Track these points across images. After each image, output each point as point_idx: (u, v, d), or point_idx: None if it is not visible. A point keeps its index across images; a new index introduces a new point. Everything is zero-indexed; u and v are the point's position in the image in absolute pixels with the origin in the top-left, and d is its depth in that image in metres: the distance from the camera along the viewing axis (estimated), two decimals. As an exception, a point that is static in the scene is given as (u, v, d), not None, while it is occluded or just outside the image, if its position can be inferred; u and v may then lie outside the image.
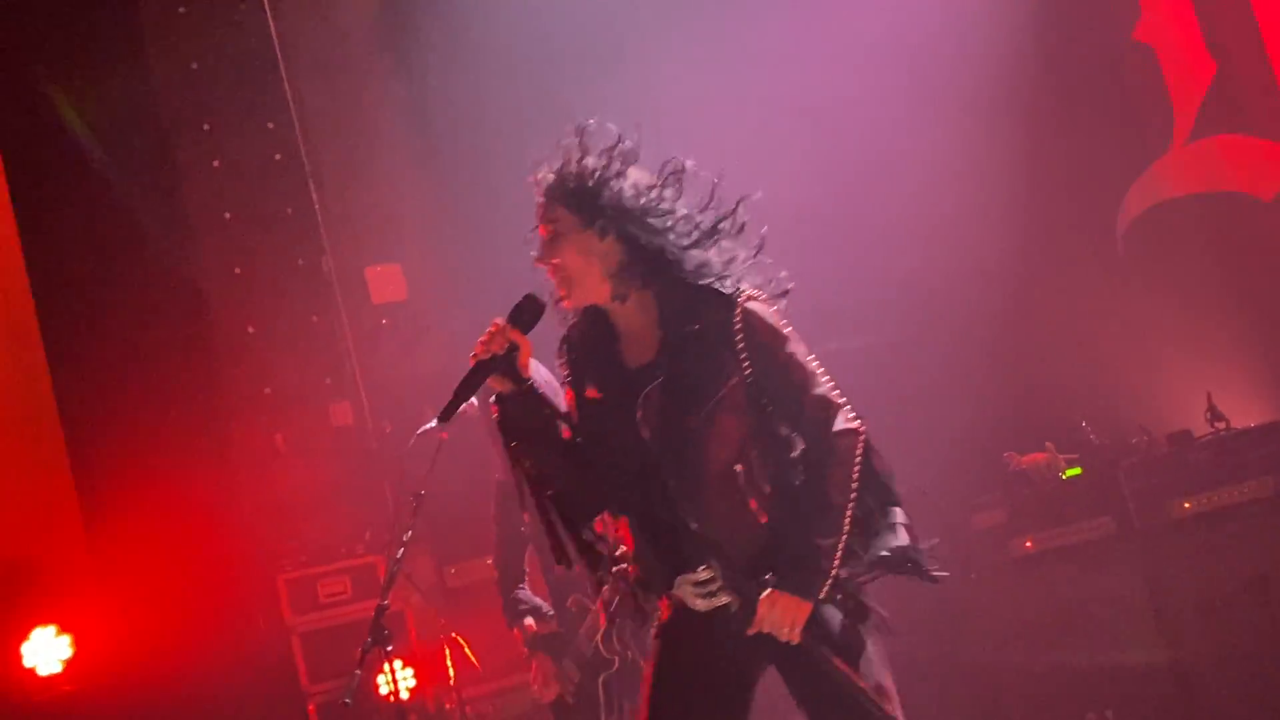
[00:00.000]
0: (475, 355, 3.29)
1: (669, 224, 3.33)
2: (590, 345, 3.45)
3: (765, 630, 3.24)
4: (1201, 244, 7.10)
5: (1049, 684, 6.21)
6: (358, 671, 5.20)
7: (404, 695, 6.60)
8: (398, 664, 6.57)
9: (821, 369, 3.36)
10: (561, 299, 3.40)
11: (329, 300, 7.73)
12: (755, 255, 3.40)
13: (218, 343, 7.37)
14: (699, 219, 3.37)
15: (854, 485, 3.25)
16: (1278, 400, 6.06)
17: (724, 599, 3.30)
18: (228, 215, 7.51)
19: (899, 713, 3.33)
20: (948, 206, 7.29)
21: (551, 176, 3.36)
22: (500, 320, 3.31)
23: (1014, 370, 7.14)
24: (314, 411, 7.56)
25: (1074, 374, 7.07)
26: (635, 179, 3.35)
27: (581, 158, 3.34)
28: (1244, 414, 6.27)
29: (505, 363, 3.28)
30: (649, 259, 3.33)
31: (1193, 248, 7.12)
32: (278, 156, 7.67)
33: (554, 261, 3.35)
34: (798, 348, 3.35)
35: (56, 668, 6.53)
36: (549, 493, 3.34)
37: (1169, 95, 7.19)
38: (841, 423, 3.29)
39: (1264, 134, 6.87)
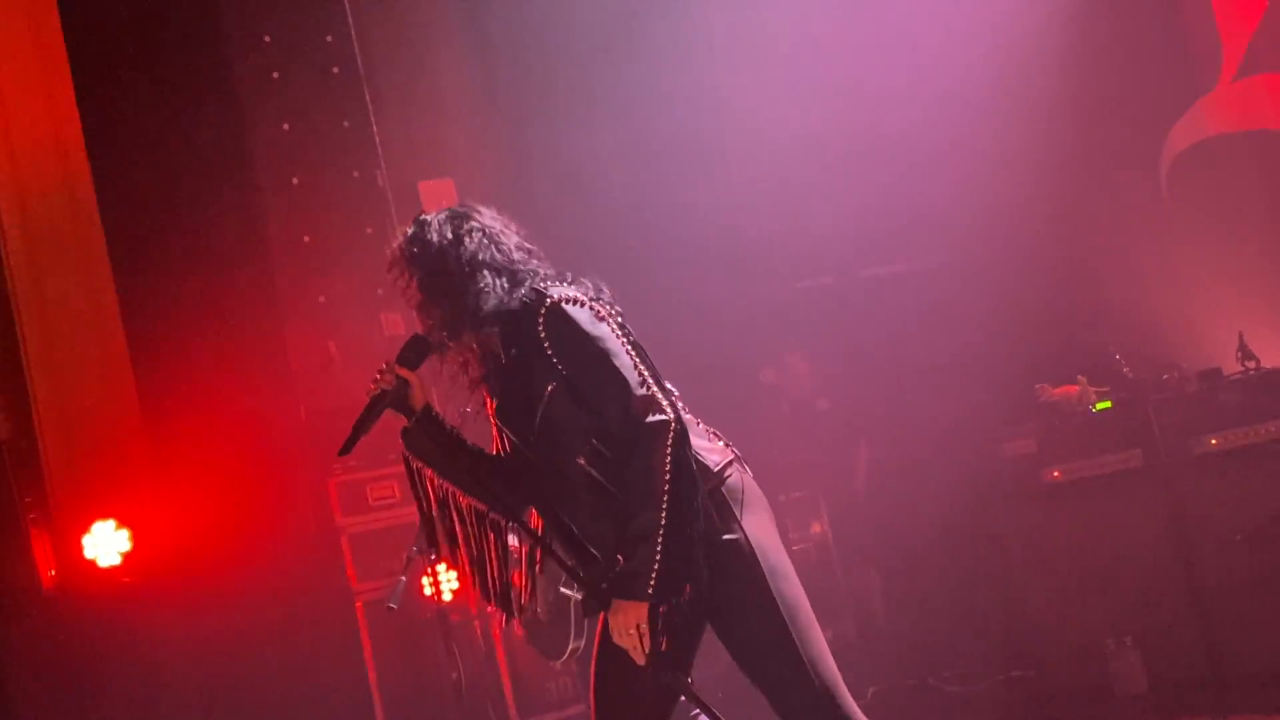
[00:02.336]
0: (369, 391, 3.60)
1: (473, 273, 3.56)
2: (469, 374, 3.71)
3: (621, 641, 3.39)
4: (1243, 182, 7.15)
5: (1071, 609, 6.34)
6: (403, 578, 5.42)
7: (446, 597, 6.80)
8: (441, 567, 6.77)
9: (633, 361, 3.47)
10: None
11: (382, 212, 7.87)
12: (556, 272, 3.63)
13: (275, 251, 7.55)
14: (499, 258, 3.58)
15: (666, 477, 3.35)
16: (1308, 340, 6.16)
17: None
18: (286, 126, 7.64)
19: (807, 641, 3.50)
20: (993, 134, 7.35)
21: (395, 247, 3.66)
22: (389, 360, 3.62)
23: (1052, 300, 7.22)
24: (366, 320, 7.73)
25: (1111, 307, 7.14)
26: (447, 247, 3.59)
27: (416, 234, 3.63)
28: (1274, 353, 6.37)
29: (397, 397, 3.58)
30: (466, 305, 3.56)
31: (1235, 185, 7.16)
32: (336, 70, 7.79)
33: (414, 308, 3.65)
34: (605, 345, 3.48)
35: (116, 560, 6.70)
36: (473, 506, 3.62)
37: (1219, 33, 7.19)
38: (648, 416, 3.41)
39: (1312, 74, 6.90)
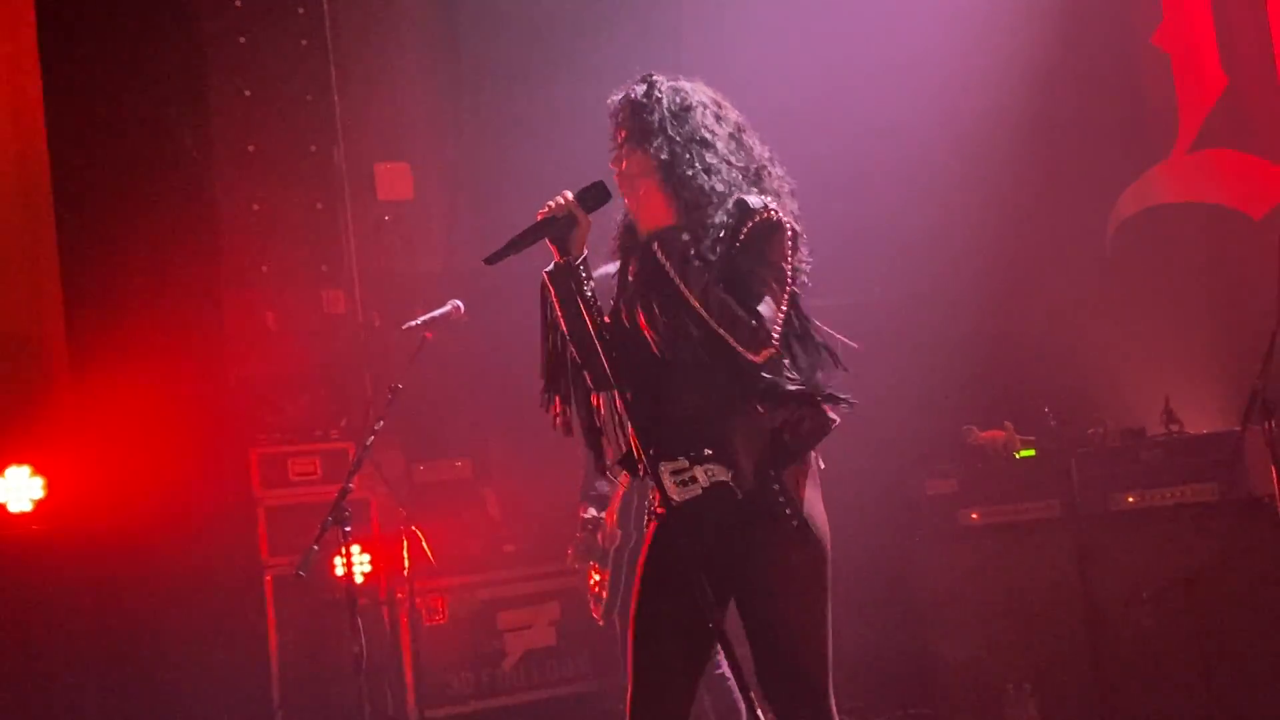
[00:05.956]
0: (540, 214, 3.54)
1: (712, 153, 3.59)
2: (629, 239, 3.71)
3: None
4: (1187, 252, 7.22)
5: (975, 650, 6.42)
6: (315, 547, 5.41)
7: (358, 579, 6.73)
8: (355, 549, 6.70)
9: (784, 291, 3.54)
10: (626, 199, 3.66)
11: (336, 189, 7.86)
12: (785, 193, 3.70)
13: (223, 215, 7.49)
14: (736, 154, 3.64)
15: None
16: (1231, 411, 6.22)
17: (697, 488, 3.54)
18: (248, 93, 7.60)
19: (825, 665, 3.58)
20: (951, 182, 7.43)
21: (622, 96, 3.66)
22: (569, 194, 3.55)
23: (988, 347, 7.29)
24: (307, 295, 7.69)
25: (1045, 359, 7.21)
26: (697, 114, 3.62)
27: (650, 87, 3.64)
28: (1198, 420, 6.46)
29: (564, 227, 3.52)
30: (692, 179, 3.57)
31: (1178, 255, 7.24)
32: (304, 42, 7.76)
33: (623, 166, 3.63)
34: (780, 266, 3.53)
35: (27, 506, 6.63)
36: (573, 358, 3.60)
37: (1177, 103, 7.30)
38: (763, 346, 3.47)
39: (1264, 153, 6.97)
